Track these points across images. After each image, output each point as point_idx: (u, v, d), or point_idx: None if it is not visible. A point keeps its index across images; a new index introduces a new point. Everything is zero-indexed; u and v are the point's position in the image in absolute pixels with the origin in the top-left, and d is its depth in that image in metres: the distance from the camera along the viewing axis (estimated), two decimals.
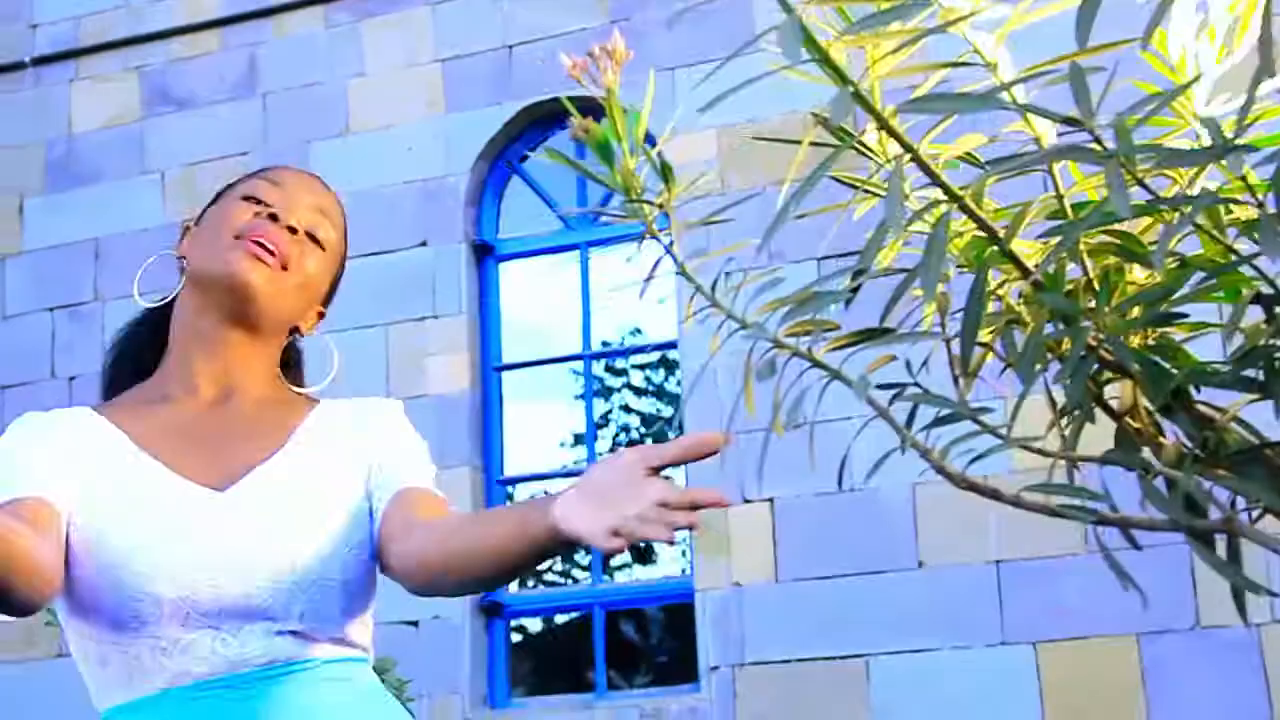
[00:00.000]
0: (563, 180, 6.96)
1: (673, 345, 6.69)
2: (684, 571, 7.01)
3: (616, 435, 7.56)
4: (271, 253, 1.85)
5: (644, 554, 7.66)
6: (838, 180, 1.72)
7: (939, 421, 1.37)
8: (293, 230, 1.87)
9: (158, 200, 7.30)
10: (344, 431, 1.88)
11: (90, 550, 1.72)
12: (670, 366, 8.73)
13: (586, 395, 6.96)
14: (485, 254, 6.93)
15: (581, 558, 7.07)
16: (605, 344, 7.05)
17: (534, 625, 6.98)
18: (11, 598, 1.56)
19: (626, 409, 7.54)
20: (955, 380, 1.46)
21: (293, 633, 1.72)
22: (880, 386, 1.39)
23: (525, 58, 6.86)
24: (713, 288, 1.43)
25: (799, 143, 1.73)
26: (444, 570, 1.70)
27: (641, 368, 8.15)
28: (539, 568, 1.62)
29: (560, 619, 7.14)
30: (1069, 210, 1.43)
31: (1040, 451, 1.39)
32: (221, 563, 1.72)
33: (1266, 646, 5.36)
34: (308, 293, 1.91)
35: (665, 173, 1.41)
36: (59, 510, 1.72)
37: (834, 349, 1.39)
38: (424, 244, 6.80)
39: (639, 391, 7.68)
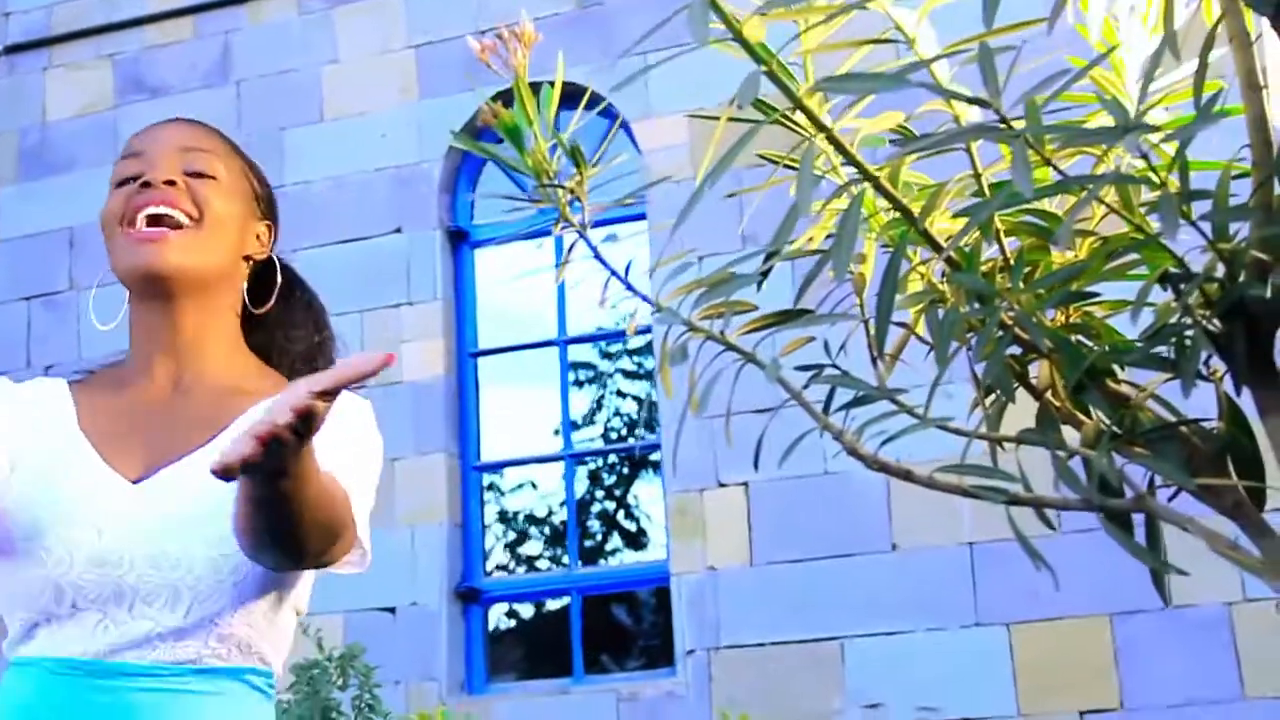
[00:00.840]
0: None
1: (647, 330, 6.68)
2: (662, 556, 7.01)
3: (593, 419, 7.58)
4: (159, 221, 1.80)
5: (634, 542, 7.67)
6: (764, 158, 1.71)
7: (856, 403, 1.37)
8: (170, 183, 1.81)
9: None
10: None
11: (5, 515, 1.75)
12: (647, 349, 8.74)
13: (562, 380, 6.96)
14: (460, 240, 6.92)
15: (561, 544, 7.08)
16: (599, 328, 7.04)
17: (511, 611, 6.98)
18: None
19: (604, 392, 7.55)
20: (874, 361, 1.46)
21: (176, 631, 1.71)
22: (798, 368, 1.39)
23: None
24: (626, 272, 1.42)
25: (749, 121, 1.73)
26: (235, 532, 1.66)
27: (622, 351, 8.14)
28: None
29: (537, 605, 7.14)
30: (986, 189, 1.43)
31: (957, 431, 1.39)
32: (116, 553, 1.71)
33: (1237, 625, 5.37)
34: (226, 228, 1.85)
35: (575, 156, 1.40)
36: None
37: (750, 331, 1.39)
38: (398, 230, 6.79)
39: (620, 375, 7.68)
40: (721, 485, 6.06)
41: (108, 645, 1.70)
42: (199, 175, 1.84)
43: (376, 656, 4.98)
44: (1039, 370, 1.41)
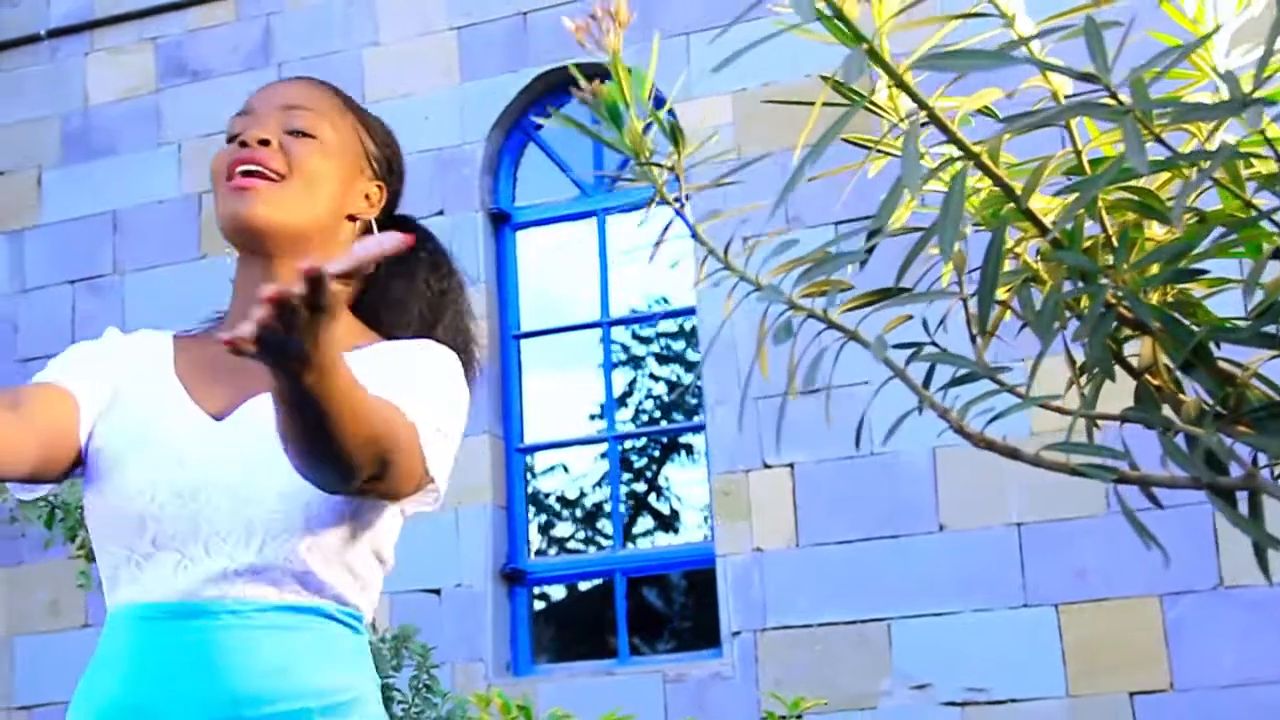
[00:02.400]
0: (579, 147, 6.94)
1: (690, 311, 6.68)
2: (705, 537, 7.01)
3: (637, 401, 7.57)
4: (252, 174, 1.83)
5: (667, 525, 7.66)
6: (850, 142, 1.70)
7: (957, 381, 1.36)
8: (264, 142, 1.85)
9: (174, 172, 7.30)
10: (367, 369, 1.78)
11: (95, 457, 1.81)
12: (690, 332, 8.72)
13: (605, 362, 6.96)
14: (502, 222, 6.92)
15: (604, 525, 7.08)
16: (633, 310, 7.04)
17: (556, 592, 6.99)
18: None
19: (646, 375, 7.54)
20: (972, 339, 1.45)
21: (251, 569, 1.73)
22: (897, 346, 1.38)
23: (540, 24, 6.83)
24: (726, 250, 1.41)
25: (811, 104, 1.72)
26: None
27: (661, 334, 8.13)
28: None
29: (582, 586, 7.15)
30: (1086, 166, 1.41)
31: (1060, 410, 1.38)
32: (194, 485, 1.76)
33: None
34: (320, 184, 1.87)
35: (675, 135, 1.39)
36: (73, 399, 1.79)
37: (849, 309, 1.39)
38: (441, 213, 6.79)
39: (658, 358, 7.68)
40: (767, 466, 6.05)
41: (187, 585, 1.73)
42: (299, 134, 1.87)
43: (422, 638, 4.98)
44: (1141, 349, 1.40)
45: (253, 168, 1.84)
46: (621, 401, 7.54)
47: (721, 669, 6.00)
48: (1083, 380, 1.52)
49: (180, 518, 1.75)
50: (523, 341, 6.85)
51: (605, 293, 6.83)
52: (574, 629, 7.09)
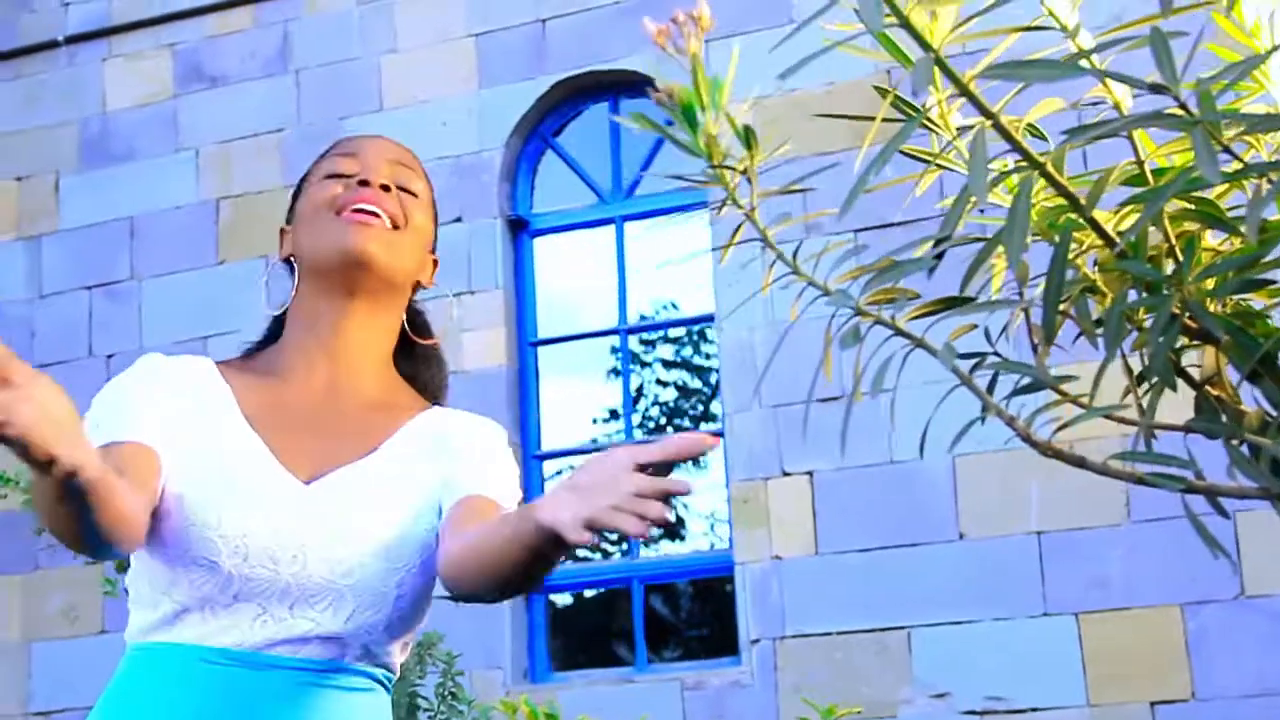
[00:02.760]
0: (597, 155, 6.95)
1: (709, 319, 6.68)
2: (712, 546, 7.00)
3: (652, 409, 7.55)
4: (376, 215, 1.85)
5: (673, 532, 7.69)
6: (906, 154, 1.70)
7: (1021, 390, 1.36)
8: (385, 188, 1.88)
9: (192, 178, 7.31)
10: (436, 447, 1.87)
11: (175, 503, 1.78)
12: (701, 340, 8.72)
13: (623, 369, 6.96)
14: (520, 229, 6.93)
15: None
16: (643, 317, 7.04)
17: (573, 600, 6.99)
18: (97, 541, 1.61)
19: (663, 383, 7.53)
20: (1033, 348, 1.45)
21: (334, 636, 1.74)
22: (960, 356, 1.38)
23: (559, 31, 6.84)
24: (795, 256, 1.41)
25: (855, 118, 1.72)
26: (465, 571, 1.70)
27: (676, 341, 8.13)
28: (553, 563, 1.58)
29: (599, 593, 7.15)
30: (1149, 176, 1.41)
31: (1123, 420, 1.37)
32: (289, 551, 1.74)
33: None
34: (420, 243, 1.92)
35: (749, 138, 1.39)
36: (159, 460, 1.77)
37: (915, 318, 1.39)
38: (459, 219, 6.80)
39: (675, 365, 7.66)
40: (786, 474, 6.05)
41: (264, 639, 1.73)
42: (404, 189, 1.91)
43: (442, 645, 4.98)
44: (1204, 359, 1.40)
45: (371, 209, 1.85)
46: (648, 408, 7.55)
47: (740, 677, 5.99)
48: (1140, 389, 1.52)
49: (271, 579, 1.74)
50: (540, 348, 6.86)
51: (623, 299, 6.83)
52: (592, 636, 7.09)
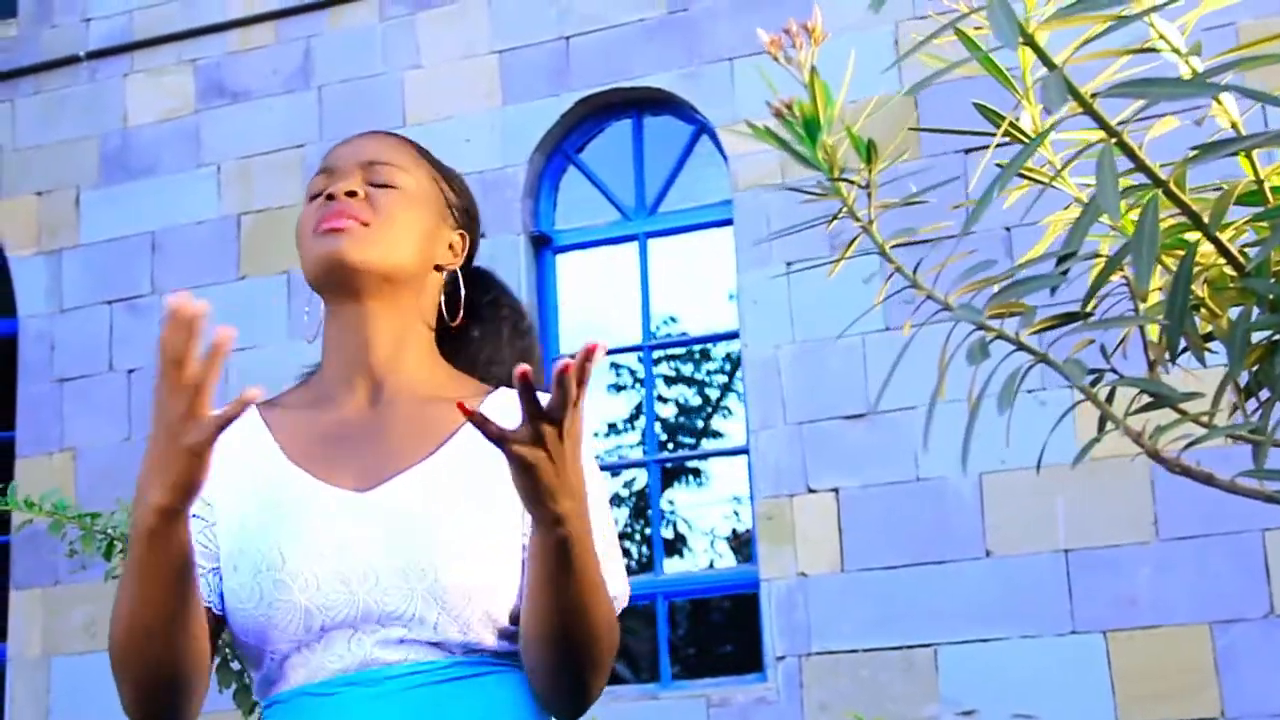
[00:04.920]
0: (620, 171, 6.96)
1: (734, 335, 6.69)
2: (737, 563, 6.98)
3: (674, 424, 7.55)
4: (341, 224, 1.82)
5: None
6: (1000, 167, 1.71)
7: (1144, 409, 1.37)
8: (351, 194, 1.84)
9: (213, 193, 7.32)
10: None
11: (236, 561, 1.75)
12: (717, 357, 8.72)
13: (647, 385, 6.96)
14: (543, 245, 6.94)
15: (645, 548, 7.08)
16: (669, 334, 7.05)
17: None
18: (175, 683, 1.67)
19: (685, 399, 7.53)
20: (1150, 365, 1.45)
21: (429, 642, 1.71)
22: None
23: (582, 48, 6.85)
24: (915, 270, 1.42)
25: (955, 131, 1.72)
26: (530, 644, 1.70)
27: (699, 358, 8.12)
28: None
29: (624, 610, 7.15)
30: (1269, 195, 1.42)
31: (1244, 438, 1.38)
32: (360, 568, 1.71)
33: None
34: (405, 232, 1.85)
35: (869, 151, 1.40)
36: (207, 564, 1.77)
37: (1036, 332, 1.39)
38: (482, 235, 6.79)
39: (697, 382, 7.66)
40: (811, 491, 6.05)
41: (364, 657, 1.70)
42: (382, 186, 1.87)
43: None
44: None
45: (339, 224, 1.82)
46: (670, 424, 7.55)
47: (766, 694, 5.99)
48: (1249, 405, 1.52)
49: (350, 603, 1.71)
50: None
51: (646, 316, 6.84)
52: (617, 653, 7.08)
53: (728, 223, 6.57)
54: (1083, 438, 5.52)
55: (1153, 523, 5.57)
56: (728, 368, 7.53)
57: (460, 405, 1.45)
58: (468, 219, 1.98)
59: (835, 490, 6.03)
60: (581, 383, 1.48)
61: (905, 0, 6.32)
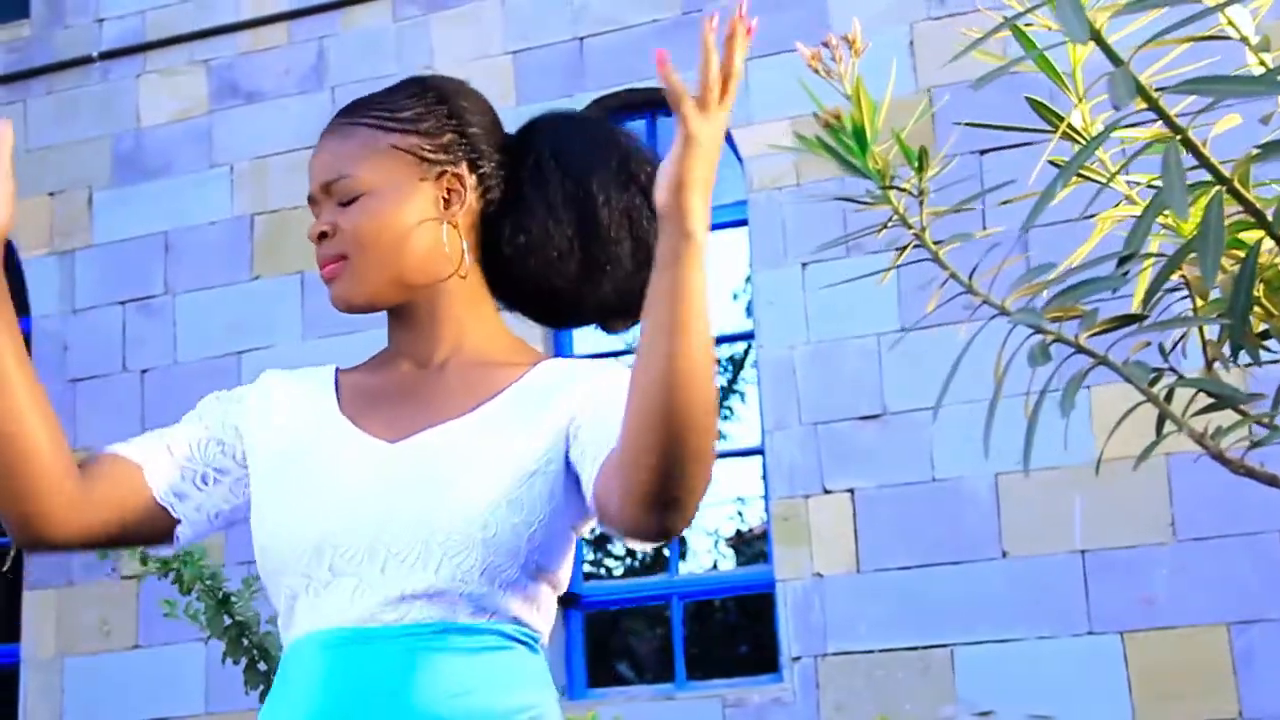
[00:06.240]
0: None
1: (749, 336, 6.68)
2: (752, 563, 6.98)
3: None
4: (327, 272, 1.83)
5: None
6: (1053, 165, 1.70)
7: (1207, 409, 1.36)
8: (324, 235, 1.81)
9: (226, 194, 7.32)
10: (547, 395, 1.78)
11: (264, 485, 1.80)
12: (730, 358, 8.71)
13: None
14: None
15: (660, 548, 7.09)
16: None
17: (612, 616, 6.98)
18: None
19: None
20: (1208, 365, 1.45)
21: (428, 592, 1.71)
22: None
23: (596, 49, 6.85)
24: (971, 275, 1.42)
25: (999, 127, 1.72)
26: (621, 460, 1.59)
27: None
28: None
29: (637, 610, 7.14)
30: None
31: None
32: (371, 509, 1.73)
33: None
34: (388, 239, 1.79)
35: (921, 159, 1.39)
36: (138, 477, 1.81)
37: (1094, 334, 1.39)
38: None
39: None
40: (827, 492, 6.05)
41: (364, 610, 1.72)
42: (349, 202, 1.81)
43: None
44: None
45: (324, 269, 1.83)
46: None
47: (782, 694, 5.98)
48: None
49: (358, 542, 1.73)
50: None
51: None
52: (631, 653, 7.07)
53: (742, 223, 6.56)
54: (1100, 437, 5.51)
55: (1170, 523, 5.57)
56: (742, 368, 7.53)
57: (659, 55, 1.45)
58: (461, 140, 1.87)
59: (850, 491, 6.02)
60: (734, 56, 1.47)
61: (919, 1, 6.32)
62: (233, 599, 3.30)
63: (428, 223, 1.82)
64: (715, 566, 7.59)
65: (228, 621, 3.30)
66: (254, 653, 3.36)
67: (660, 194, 1.52)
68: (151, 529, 1.84)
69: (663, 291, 1.53)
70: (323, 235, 1.82)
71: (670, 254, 1.52)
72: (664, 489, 1.55)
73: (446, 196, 1.83)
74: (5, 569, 3.93)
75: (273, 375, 1.92)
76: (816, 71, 1.46)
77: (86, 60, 7.72)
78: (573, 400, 1.76)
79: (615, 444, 1.65)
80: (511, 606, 1.75)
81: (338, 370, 1.91)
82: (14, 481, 1.75)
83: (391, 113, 1.86)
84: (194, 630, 3.95)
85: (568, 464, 1.76)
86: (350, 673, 1.71)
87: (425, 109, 1.87)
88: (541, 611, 1.80)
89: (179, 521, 1.84)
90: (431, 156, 1.83)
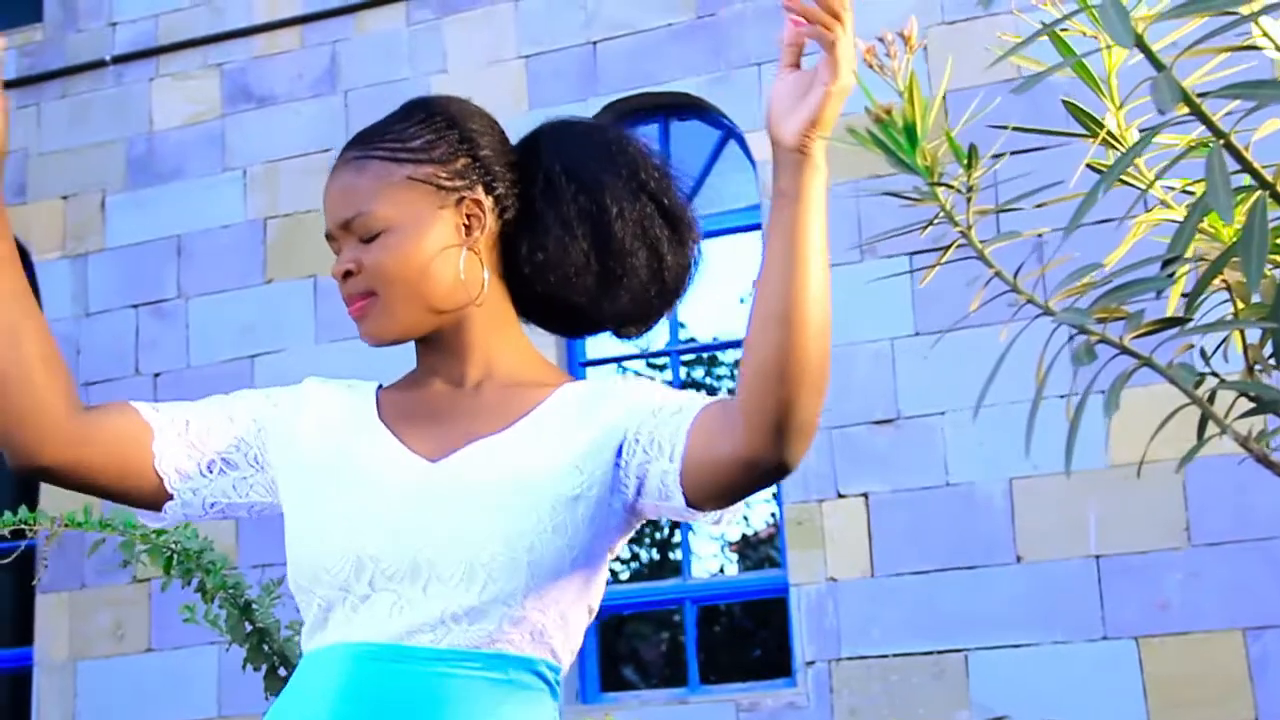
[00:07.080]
0: None
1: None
2: (765, 567, 6.96)
3: None
4: (354, 310, 1.83)
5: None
6: (1092, 169, 1.71)
7: (1250, 413, 1.36)
8: (348, 274, 1.81)
9: (239, 197, 7.33)
10: (583, 413, 1.79)
11: (301, 501, 1.79)
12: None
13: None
14: None
15: (674, 553, 7.07)
16: (694, 339, 7.05)
17: (625, 621, 6.98)
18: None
19: None
20: (1250, 369, 1.45)
21: (470, 611, 1.70)
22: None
23: (609, 53, 6.85)
24: (1016, 274, 1.42)
25: (1043, 131, 1.72)
26: (766, 378, 1.58)
27: (722, 363, 8.10)
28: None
29: (650, 615, 7.14)
30: None
31: None
32: (414, 526, 1.72)
33: None
34: (414, 274, 1.79)
35: (971, 157, 1.40)
36: (146, 432, 1.80)
37: (1137, 336, 1.39)
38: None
39: (723, 387, 7.66)
40: (841, 496, 6.05)
41: (402, 628, 1.70)
42: (371, 239, 1.80)
43: None
44: None
45: (352, 310, 1.83)
46: None
47: (795, 699, 5.98)
48: None
49: (400, 559, 1.71)
50: (589, 369, 6.86)
51: (674, 321, 6.84)
52: (644, 657, 7.07)
53: (755, 228, 6.57)
54: (1115, 442, 5.51)
55: (1185, 528, 5.56)
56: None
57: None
58: (475, 164, 1.84)
59: (865, 495, 6.02)
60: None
61: (934, 5, 6.32)
62: (254, 606, 3.30)
63: (450, 250, 1.81)
64: (722, 571, 7.61)
65: (249, 628, 3.30)
66: (274, 659, 3.36)
67: (788, 126, 1.61)
68: (140, 493, 1.82)
69: (788, 223, 1.60)
70: (347, 274, 1.81)
71: (797, 187, 1.60)
72: (792, 414, 1.58)
73: (467, 223, 1.83)
74: (35, 580, 3.92)
75: (315, 383, 1.92)
76: (871, 66, 1.46)
77: (100, 64, 7.74)
78: (614, 415, 1.77)
79: (711, 403, 1.70)
80: (551, 633, 1.75)
81: (380, 387, 1.91)
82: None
83: (403, 143, 1.84)
84: (207, 633, 3.95)
85: (613, 486, 1.77)
86: (374, 688, 1.69)
87: (436, 135, 1.85)
88: (571, 640, 1.80)
89: (171, 497, 1.83)
90: (448, 184, 1.82)
